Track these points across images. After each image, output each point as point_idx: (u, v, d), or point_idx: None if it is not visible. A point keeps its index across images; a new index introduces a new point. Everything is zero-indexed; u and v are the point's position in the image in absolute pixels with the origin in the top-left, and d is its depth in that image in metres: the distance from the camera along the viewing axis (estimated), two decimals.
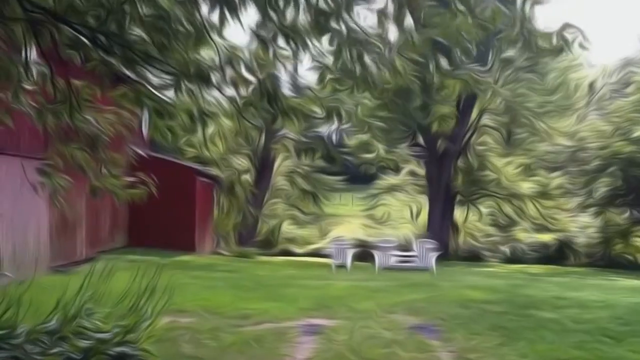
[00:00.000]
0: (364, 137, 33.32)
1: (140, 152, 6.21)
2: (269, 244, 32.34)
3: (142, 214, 19.21)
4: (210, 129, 31.71)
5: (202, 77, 4.75)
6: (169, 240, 18.95)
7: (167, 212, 19.29)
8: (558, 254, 28.08)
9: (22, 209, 11.02)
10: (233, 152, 31.38)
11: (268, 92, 4.74)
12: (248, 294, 9.99)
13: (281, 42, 4.86)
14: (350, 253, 17.81)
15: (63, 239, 13.65)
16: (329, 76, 5.15)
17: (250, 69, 4.85)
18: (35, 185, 6.00)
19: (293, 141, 26.81)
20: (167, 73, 4.72)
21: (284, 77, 5.28)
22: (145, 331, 5.72)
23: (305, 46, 4.86)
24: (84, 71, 5.34)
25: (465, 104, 29.09)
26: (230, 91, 4.94)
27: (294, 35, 4.72)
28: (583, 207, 28.78)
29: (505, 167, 31.11)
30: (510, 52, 26.64)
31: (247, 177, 30.88)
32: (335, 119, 5.09)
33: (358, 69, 4.73)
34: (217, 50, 4.84)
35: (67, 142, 5.38)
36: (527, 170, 31.13)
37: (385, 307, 8.64)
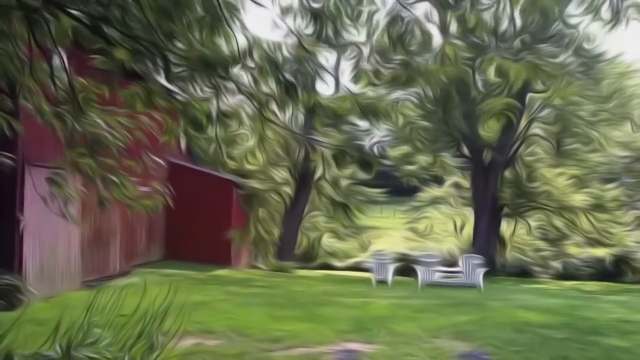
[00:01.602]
0: (406, 148, 32.56)
1: (158, 159, 5.52)
2: (309, 258, 31.78)
3: (179, 226, 18.85)
4: (251, 141, 31.52)
5: (218, 68, 4.11)
6: (206, 253, 18.46)
7: (203, 224, 18.86)
8: (614, 270, 26.56)
9: (51, 222, 10.59)
10: (273, 165, 30.95)
11: (290, 86, 4.08)
12: (281, 312, 9.31)
13: (310, 29, 4.19)
14: (391, 268, 17.00)
15: (96, 253, 13.23)
16: (364, 66, 4.47)
17: (273, 62, 4.18)
18: (44, 197, 5.44)
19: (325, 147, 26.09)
20: (178, 65, 4.09)
21: (312, 71, 4.61)
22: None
23: (339, 34, 4.19)
24: (91, 68, 4.77)
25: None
26: (249, 86, 4.28)
27: (326, 19, 4.05)
28: None
29: (556, 179, 29.82)
30: (561, 58, 25.52)
31: (287, 190, 30.39)
32: (372, 118, 4.38)
33: (400, 55, 4.04)
34: (236, 39, 4.20)
35: (73, 148, 4.80)
36: (580, 182, 29.77)
37: (430, 331, 7.83)
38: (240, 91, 4.19)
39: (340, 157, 4.32)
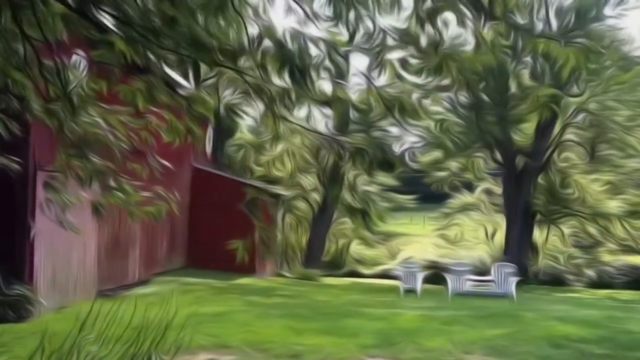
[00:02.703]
0: (437, 153, 31.97)
1: (165, 162, 5.11)
2: (337, 265, 31.33)
3: (202, 233, 18.54)
4: (279, 147, 31.25)
5: (222, 58, 3.69)
6: (229, 261, 18.07)
7: (227, 231, 18.50)
8: None
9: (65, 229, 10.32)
10: (302, 171, 30.63)
11: (303, 78, 3.65)
12: (303, 324, 8.85)
13: (328, 10, 3.76)
14: (420, 277, 16.42)
15: (113, 261, 12.94)
16: (388, 56, 4.02)
17: (284, 49, 3.74)
18: (42, 203, 5.07)
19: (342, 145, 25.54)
20: (177, 53, 3.68)
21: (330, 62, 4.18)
22: None
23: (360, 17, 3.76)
24: (89, 62, 4.39)
25: (546, 117, 27.32)
26: (258, 79, 3.85)
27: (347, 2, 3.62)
28: None
29: (590, 185, 28.96)
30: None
31: (316, 196, 30.03)
32: (397, 114, 3.91)
33: (428, 39, 3.58)
34: (244, 25, 3.78)
35: (65, 149, 4.41)
36: (615, 188, 28.85)
37: (461, 345, 7.30)
38: (247, 83, 3.76)
39: (358, 156, 3.87)
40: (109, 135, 4.66)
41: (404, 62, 3.60)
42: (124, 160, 4.93)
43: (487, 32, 3.68)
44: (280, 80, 3.96)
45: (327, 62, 4.18)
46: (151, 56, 3.70)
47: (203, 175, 19.16)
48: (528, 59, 26.84)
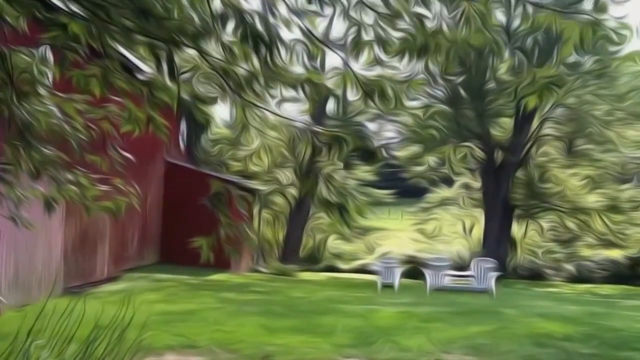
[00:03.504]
0: (415, 148, 31.78)
1: (127, 155, 4.69)
2: (314, 260, 31.10)
3: (176, 228, 18.04)
4: (256, 142, 30.84)
5: (183, 38, 3.29)
6: (229, 255, 17.63)
7: (201, 227, 18.05)
8: (630, 273, 25.63)
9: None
10: (279, 166, 30.27)
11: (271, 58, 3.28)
12: (277, 322, 8.47)
13: None
14: (398, 272, 16.13)
15: (81, 257, 12.43)
16: (367, 36, 3.65)
17: (253, 31, 3.35)
18: None
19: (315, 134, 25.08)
20: (129, 30, 3.27)
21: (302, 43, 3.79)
22: None
23: None
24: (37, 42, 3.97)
25: (525, 112, 27.22)
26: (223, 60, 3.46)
27: None
28: None
29: (569, 179, 28.99)
30: (576, 56, 24.62)
31: (293, 191, 29.68)
32: (377, 100, 3.54)
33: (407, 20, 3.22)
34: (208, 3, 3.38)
35: (13, 139, 3.98)
36: (594, 182, 28.88)
37: (440, 344, 6.98)
38: (210, 66, 3.37)
39: (335, 145, 3.50)
40: (65, 125, 4.23)
41: (383, 42, 3.25)
42: (82, 152, 4.50)
43: (479, 6, 3.31)
44: (247, 64, 3.58)
45: (301, 45, 3.78)
46: (107, 38, 3.30)
47: (177, 170, 18.70)
48: (506, 53, 26.71)
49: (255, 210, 23.69)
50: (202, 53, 3.44)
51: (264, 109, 4.15)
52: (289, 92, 4.59)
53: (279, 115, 4.91)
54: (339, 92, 4.34)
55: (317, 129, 4.01)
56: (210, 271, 16.52)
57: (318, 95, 3.96)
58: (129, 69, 4.24)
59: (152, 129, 4.12)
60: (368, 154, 4.39)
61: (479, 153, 27.93)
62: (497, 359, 6.22)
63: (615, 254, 27.59)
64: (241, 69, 3.74)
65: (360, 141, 3.81)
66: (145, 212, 16.87)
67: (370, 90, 3.79)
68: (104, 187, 4.74)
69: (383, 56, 3.99)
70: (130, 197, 4.76)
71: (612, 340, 7.15)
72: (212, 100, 3.88)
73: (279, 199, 30.39)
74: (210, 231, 4.71)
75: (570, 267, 27.58)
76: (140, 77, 4.03)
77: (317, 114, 27.29)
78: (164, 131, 4.09)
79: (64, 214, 11.08)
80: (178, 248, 17.25)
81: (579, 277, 26.35)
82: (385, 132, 33.83)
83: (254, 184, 23.93)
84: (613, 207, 28.30)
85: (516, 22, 25.96)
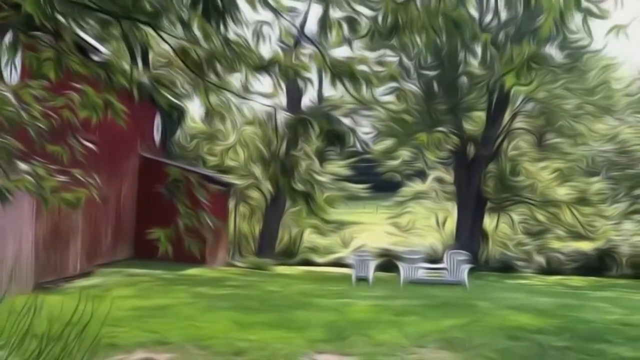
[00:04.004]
0: (389, 142, 31.89)
1: (89, 144, 4.55)
2: (290, 254, 31.10)
3: (150, 223, 17.81)
4: (232, 137, 30.64)
5: (140, 16, 3.20)
6: (178, 251, 17.49)
7: (176, 220, 17.86)
8: (599, 265, 26.06)
9: None
10: (255, 160, 30.13)
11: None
12: (251, 317, 8.42)
13: None
14: (372, 265, 16.18)
15: (53, 252, 12.23)
16: (335, 15, 3.59)
17: (215, 8, 3.27)
18: None
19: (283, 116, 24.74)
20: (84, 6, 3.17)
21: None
22: None
23: None
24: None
25: (496, 106, 27.49)
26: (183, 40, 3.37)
27: None
28: (627, 214, 26.74)
29: (539, 172, 29.35)
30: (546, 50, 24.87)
31: (268, 185, 29.58)
32: (346, 84, 3.50)
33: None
34: None
35: None
36: (564, 175, 29.29)
37: (414, 338, 7.00)
38: (172, 49, 3.29)
39: (300, 127, 3.45)
40: (23, 113, 4.10)
41: (352, 22, 3.16)
42: (42, 141, 4.36)
43: None
44: (208, 44, 3.50)
45: (267, 26, 3.71)
46: (60, 17, 3.19)
47: (151, 164, 18.47)
48: (478, 47, 26.88)
49: (232, 205, 23.58)
50: (160, 31, 3.34)
51: (227, 90, 4.07)
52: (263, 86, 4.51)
53: (245, 98, 4.80)
54: (308, 75, 4.27)
55: (284, 113, 3.96)
56: (185, 266, 16.39)
57: (286, 78, 3.91)
58: (86, 52, 4.08)
59: (111, 114, 3.99)
60: (336, 138, 4.31)
61: (454, 140, 27.93)
62: (470, 353, 6.24)
63: (584, 245, 28.03)
64: (201, 50, 3.66)
65: (327, 123, 3.76)
66: (120, 206, 16.67)
67: (340, 72, 3.74)
68: (62, 178, 4.57)
69: (352, 37, 3.91)
70: (90, 188, 4.60)
71: (584, 333, 7.23)
72: (173, 84, 3.80)
73: (255, 193, 30.29)
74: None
75: (540, 259, 27.96)
76: (96, 58, 3.91)
77: (292, 108, 27.21)
78: (122, 117, 3.96)
79: (35, 208, 10.89)
80: (152, 242, 17.21)
81: (549, 269, 26.72)
82: (359, 127, 33.92)
83: (229, 178, 23.82)
84: (582, 200, 28.77)
85: (488, 17, 26.18)
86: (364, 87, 3.60)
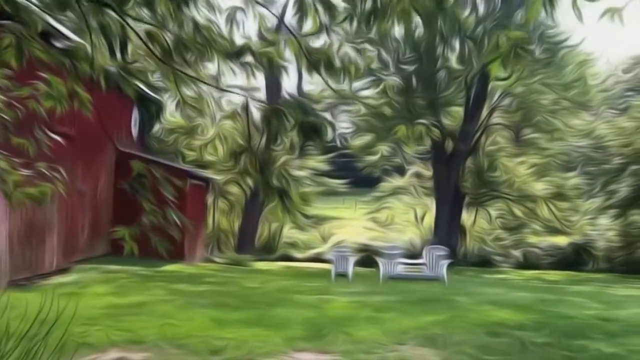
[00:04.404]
0: (368, 137, 31.87)
1: (56, 137, 4.38)
2: (270, 249, 31.00)
3: (127, 218, 17.54)
4: (211, 132, 30.36)
5: None
6: (156, 247, 17.27)
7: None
8: (575, 259, 26.34)
9: None
10: (233, 155, 29.90)
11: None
12: (228, 314, 8.30)
13: None
14: (352, 261, 16.12)
15: (28, 249, 11.99)
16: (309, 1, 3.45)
17: None
18: None
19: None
20: None
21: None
22: None
23: None
24: None
25: (474, 101, 27.57)
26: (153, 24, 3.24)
27: None
28: (602, 209, 27.01)
29: (517, 168, 29.53)
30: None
31: (248, 180, 29.39)
32: (324, 73, 3.38)
33: None
34: None
35: None
36: (541, 171, 29.51)
37: (394, 335, 6.94)
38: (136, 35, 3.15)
39: (274, 119, 3.33)
40: None
41: (329, 7, 3.04)
42: (6, 133, 4.18)
43: None
44: (177, 28, 3.36)
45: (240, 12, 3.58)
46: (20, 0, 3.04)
47: (128, 158, 18.19)
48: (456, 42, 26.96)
49: (210, 200, 23.38)
50: (124, 15, 3.19)
51: (198, 79, 3.94)
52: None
53: (218, 88, 4.65)
54: (285, 63, 4.13)
55: (258, 102, 3.82)
56: (163, 262, 16.22)
57: (261, 66, 3.77)
58: (49, 39, 3.89)
59: (77, 105, 3.82)
60: (313, 131, 4.17)
61: (436, 132, 27.87)
62: (451, 350, 6.19)
63: (561, 240, 28.30)
64: (169, 36, 3.52)
65: (302, 115, 3.64)
66: (96, 201, 16.41)
67: (317, 60, 3.62)
68: (26, 172, 4.39)
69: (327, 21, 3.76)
70: (56, 183, 4.41)
71: (564, 328, 7.23)
72: (141, 73, 3.66)
73: (234, 189, 30.10)
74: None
75: (517, 253, 28.17)
76: (59, 45, 3.74)
77: (271, 101, 27.00)
78: (88, 107, 3.80)
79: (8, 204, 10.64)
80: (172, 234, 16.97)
81: (527, 264, 26.95)
82: (339, 123, 33.88)
83: (208, 173, 23.62)
84: (559, 195, 29.04)
85: (466, 11, 26.21)
86: (342, 78, 3.49)
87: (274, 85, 28.47)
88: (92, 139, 14.99)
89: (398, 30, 27.95)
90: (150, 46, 3.27)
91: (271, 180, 28.41)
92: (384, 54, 27.58)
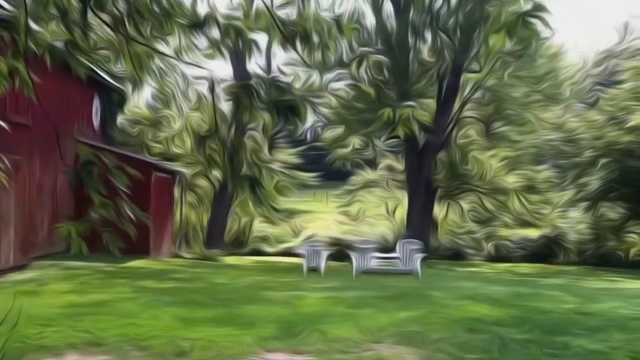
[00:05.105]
0: (339, 130, 31.55)
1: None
2: (240, 243, 30.58)
3: (89, 212, 16.99)
4: (178, 124, 29.72)
5: None
6: (121, 242, 16.73)
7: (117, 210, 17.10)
8: (546, 252, 26.43)
9: None
10: (200, 141, 29.30)
11: None
12: (196, 313, 7.91)
13: None
14: (324, 255, 15.81)
15: None
16: None
17: None
18: None
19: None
20: None
21: None
22: None
23: None
24: None
25: (447, 94, 27.42)
26: None
27: None
28: (573, 202, 27.15)
29: (488, 161, 29.50)
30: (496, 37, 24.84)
31: (217, 173, 28.87)
32: (300, 46, 3.02)
33: None
34: None
35: None
36: (512, 164, 29.55)
37: (370, 333, 6.63)
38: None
39: (245, 97, 2.96)
40: None
41: None
42: None
43: None
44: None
45: None
46: None
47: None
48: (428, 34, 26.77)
49: (178, 193, 22.84)
50: None
51: (156, 51, 3.54)
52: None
53: (180, 60, 4.23)
54: (252, 35, 3.75)
55: (223, 80, 3.41)
56: (128, 258, 15.72)
57: (227, 38, 3.39)
58: None
59: (19, 85, 3.39)
60: (289, 110, 3.77)
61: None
62: (430, 348, 5.90)
63: (532, 233, 28.40)
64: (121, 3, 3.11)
65: (277, 92, 3.26)
66: (56, 195, 15.81)
67: (292, 33, 3.24)
68: None
69: None
70: None
71: (544, 324, 6.99)
72: (92, 50, 3.27)
73: (202, 182, 29.55)
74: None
75: (489, 246, 28.20)
76: None
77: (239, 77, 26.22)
78: (31, 87, 3.38)
79: None
80: (93, 233, 16.42)
81: (498, 257, 26.99)
82: (310, 117, 33.51)
83: (174, 166, 23.07)
84: (530, 188, 29.12)
85: (439, 2, 26.05)
86: (318, 52, 3.14)
87: (242, 66, 27.48)
88: (51, 128, 14.39)
89: (370, 21, 27.70)
90: (99, 14, 2.86)
91: (240, 169, 27.51)
92: (354, 44, 27.25)
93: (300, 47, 3.09)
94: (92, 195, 3.19)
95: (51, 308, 8.15)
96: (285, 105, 3.09)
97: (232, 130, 27.89)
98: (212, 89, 25.60)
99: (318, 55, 3.15)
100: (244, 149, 28.02)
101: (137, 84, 24.96)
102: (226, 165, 26.18)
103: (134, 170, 3.32)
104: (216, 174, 28.81)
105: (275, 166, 32.18)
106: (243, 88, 2.98)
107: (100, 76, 19.60)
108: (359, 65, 25.77)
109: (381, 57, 26.40)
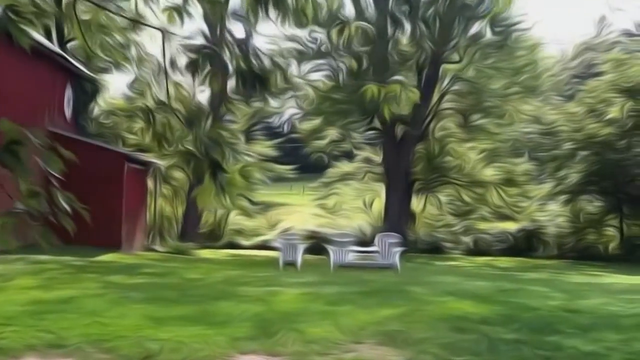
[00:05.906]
0: (317, 121, 31.15)
1: None
2: (215, 236, 30.17)
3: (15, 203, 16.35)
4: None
5: None
6: (91, 235, 16.15)
7: (89, 202, 16.51)
8: (525, 245, 26.36)
9: None
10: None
11: None
12: (167, 310, 7.47)
13: None
14: (301, 249, 15.46)
15: None
16: None
17: None
18: None
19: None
20: None
21: None
22: None
23: None
24: None
25: (426, 85, 27.18)
26: None
27: None
28: (552, 195, 27.11)
29: (467, 153, 29.36)
30: (477, 27, 24.67)
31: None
32: (273, 9, 2.62)
33: None
34: None
35: None
36: (491, 156, 29.43)
37: (350, 332, 6.25)
38: None
39: (205, 61, 2.55)
40: None
41: None
42: None
43: None
44: None
45: None
46: None
47: (59, 139, 16.97)
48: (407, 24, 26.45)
49: (152, 185, 22.28)
50: None
51: (102, 7, 3.09)
52: None
53: (127, 18, 3.77)
54: None
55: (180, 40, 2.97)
56: (99, 251, 15.23)
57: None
58: None
59: None
60: (257, 78, 3.33)
61: (379, 126, 27.35)
62: (414, 349, 5.54)
63: (511, 226, 28.34)
64: None
65: (243, 61, 2.86)
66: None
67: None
68: None
69: None
70: None
71: (532, 322, 6.68)
72: (37, 15, 2.84)
73: (177, 174, 28.98)
74: (100, 206, 3.60)
75: (467, 240, 28.07)
76: None
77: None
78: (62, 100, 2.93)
79: None
80: (61, 226, 15.85)
81: (477, 250, 26.87)
82: (287, 109, 33.14)
83: (148, 157, 22.48)
84: (508, 181, 29.05)
85: None
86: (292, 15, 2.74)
87: (214, 31, 26.51)
88: (18, 117, 13.78)
89: (348, 10, 27.27)
90: None
91: (198, 147, 26.36)
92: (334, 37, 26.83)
93: (273, 12, 2.70)
94: (19, 181, 2.72)
95: (13, 305, 7.65)
96: (253, 74, 2.70)
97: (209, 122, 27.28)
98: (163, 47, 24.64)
99: (293, 20, 2.75)
100: (203, 123, 27.00)
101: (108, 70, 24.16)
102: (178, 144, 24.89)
103: (69, 151, 2.81)
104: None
105: (251, 159, 31.65)
106: (205, 55, 2.57)
107: (73, 65, 18.96)
108: (340, 33, 24.51)
109: (365, 24, 25.37)
